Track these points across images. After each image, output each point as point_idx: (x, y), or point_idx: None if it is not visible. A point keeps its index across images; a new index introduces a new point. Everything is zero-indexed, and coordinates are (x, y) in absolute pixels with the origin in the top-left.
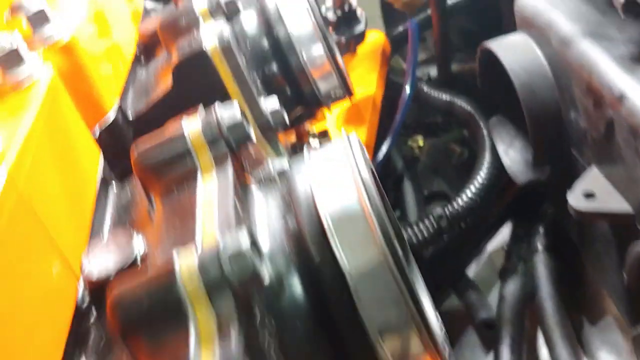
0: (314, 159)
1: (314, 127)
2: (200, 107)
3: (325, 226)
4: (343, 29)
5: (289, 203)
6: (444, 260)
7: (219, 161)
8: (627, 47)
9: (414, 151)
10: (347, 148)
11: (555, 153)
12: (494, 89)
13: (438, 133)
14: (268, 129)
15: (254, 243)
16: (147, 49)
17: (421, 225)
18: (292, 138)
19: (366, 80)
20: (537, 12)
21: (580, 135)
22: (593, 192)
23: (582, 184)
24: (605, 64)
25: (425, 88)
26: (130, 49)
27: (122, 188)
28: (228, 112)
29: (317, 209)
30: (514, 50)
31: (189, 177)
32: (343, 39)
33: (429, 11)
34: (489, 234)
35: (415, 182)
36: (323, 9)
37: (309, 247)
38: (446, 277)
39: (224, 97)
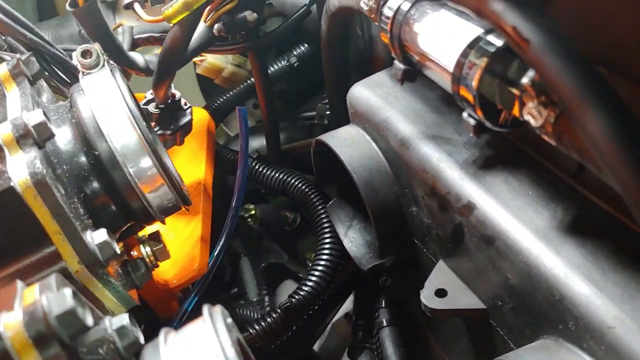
0: (171, 347)
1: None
2: (19, 286)
3: None
4: (168, 121)
5: None
6: (290, 343)
7: None
8: (469, 150)
9: (247, 221)
10: (211, 333)
11: (399, 243)
12: (329, 175)
13: (267, 199)
14: (96, 266)
15: None
16: None
17: (269, 320)
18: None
19: (193, 165)
20: (371, 108)
21: (423, 230)
22: (444, 289)
23: (432, 281)
24: (450, 171)
25: (257, 166)
26: None
27: None
28: (56, 300)
29: None
30: (351, 146)
31: None
32: (168, 132)
33: (246, 82)
34: (334, 308)
35: (252, 255)
36: (142, 101)
37: None
38: (293, 356)
39: (40, 237)
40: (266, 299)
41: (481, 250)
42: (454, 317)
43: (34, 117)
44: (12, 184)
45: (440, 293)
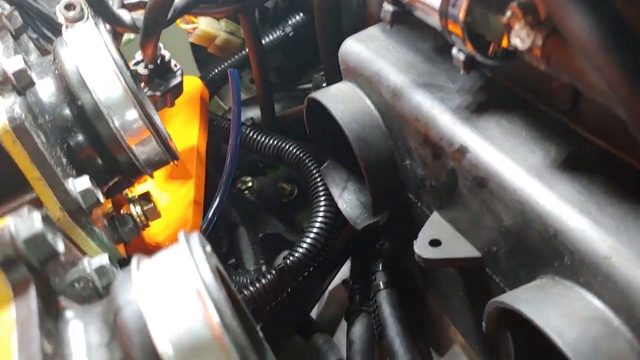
0: (144, 271)
1: (134, 190)
2: None
3: (163, 356)
4: (157, 82)
5: (115, 329)
6: (286, 307)
7: (18, 289)
8: (462, 96)
9: (244, 193)
10: (186, 254)
11: (392, 198)
12: (323, 136)
13: (265, 171)
14: (79, 213)
15: None
16: None
17: (263, 281)
18: (109, 209)
19: (187, 131)
20: (362, 62)
21: (417, 182)
22: (438, 239)
23: (426, 231)
24: (442, 116)
25: (251, 134)
26: None
27: None
28: (25, 224)
29: (153, 339)
30: (343, 102)
31: None
32: (158, 94)
33: (242, 53)
34: (330, 273)
35: (249, 227)
36: (132, 62)
37: None
38: (290, 323)
39: (20, 183)
40: (263, 268)
41: (474, 194)
42: (448, 267)
43: (14, 64)
44: None
45: (434, 243)
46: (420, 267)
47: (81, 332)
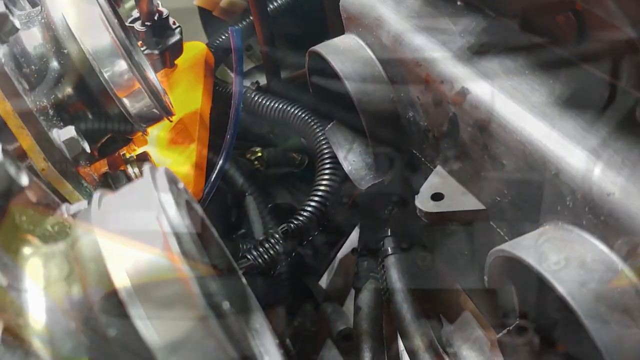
0: (105, 203)
1: (134, 152)
2: None
3: (120, 289)
4: (155, 41)
5: (73, 262)
6: (294, 275)
7: None
8: (464, 38)
9: (254, 163)
10: (148, 184)
11: (396, 155)
12: (327, 94)
13: (275, 142)
14: (64, 164)
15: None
16: None
17: (267, 245)
18: (104, 169)
19: (191, 95)
20: (364, 10)
21: (420, 135)
22: (441, 193)
23: (428, 185)
24: (443, 59)
25: (256, 97)
26: None
27: None
28: None
29: (108, 269)
30: (344, 54)
31: None
32: (156, 52)
33: (251, 17)
34: (338, 241)
35: (258, 196)
36: (128, 20)
37: (101, 319)
38: (299, 292)
39: (3, 132)
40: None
41: (476, 140)
42: (453, 224)
43: None
44: None
45: (437, 197)
46: (426, 228)
47: (40, 267)
